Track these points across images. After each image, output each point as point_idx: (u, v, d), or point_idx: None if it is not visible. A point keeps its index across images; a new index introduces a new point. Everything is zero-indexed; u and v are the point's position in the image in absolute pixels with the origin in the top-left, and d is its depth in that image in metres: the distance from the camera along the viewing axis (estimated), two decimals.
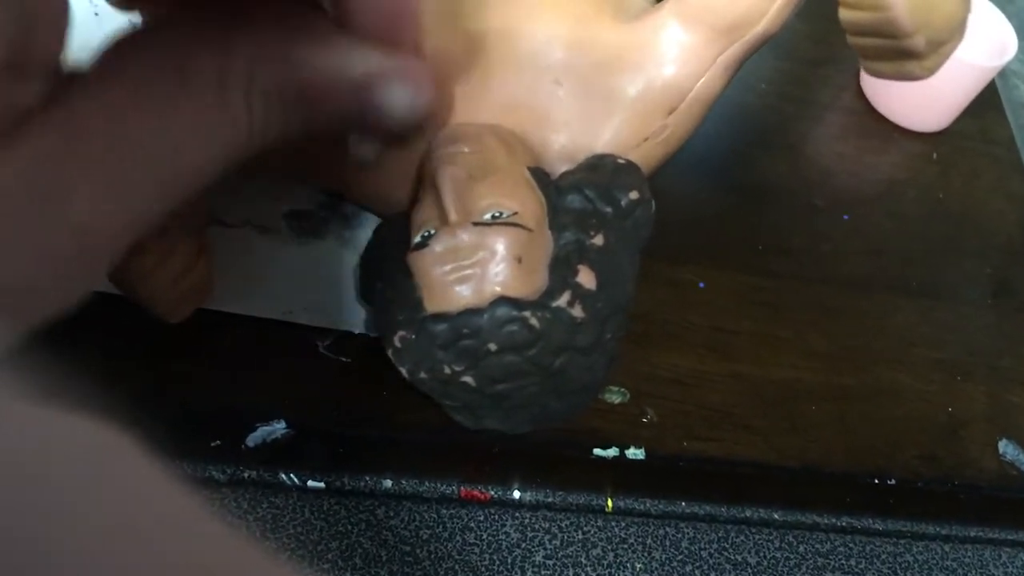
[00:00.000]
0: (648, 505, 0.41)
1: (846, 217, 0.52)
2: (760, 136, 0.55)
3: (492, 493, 0.40)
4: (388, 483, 0.39)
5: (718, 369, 0.44)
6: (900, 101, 0.56)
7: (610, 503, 0.41)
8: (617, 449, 0.41)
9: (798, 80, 0.58)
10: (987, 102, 0.59)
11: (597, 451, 0.41)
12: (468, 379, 0.33)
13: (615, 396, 0.42)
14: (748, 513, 0.41)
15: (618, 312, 0.35)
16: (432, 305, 0.33)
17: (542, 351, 0.33)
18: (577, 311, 0.33)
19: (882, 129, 0.57)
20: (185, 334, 0.38)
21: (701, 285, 0.47)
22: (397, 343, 0.34)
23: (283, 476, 0.38)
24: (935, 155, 0.56)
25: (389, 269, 0.35)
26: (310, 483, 0.38)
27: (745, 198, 0.51)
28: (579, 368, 0.34)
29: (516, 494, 0.40)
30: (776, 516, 0.42)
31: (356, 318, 0.40)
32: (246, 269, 0.40)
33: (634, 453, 0.41)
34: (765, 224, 0.50)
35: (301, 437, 0.38)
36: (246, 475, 0.37)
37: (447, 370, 0.33)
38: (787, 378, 0.45)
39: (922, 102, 0.55)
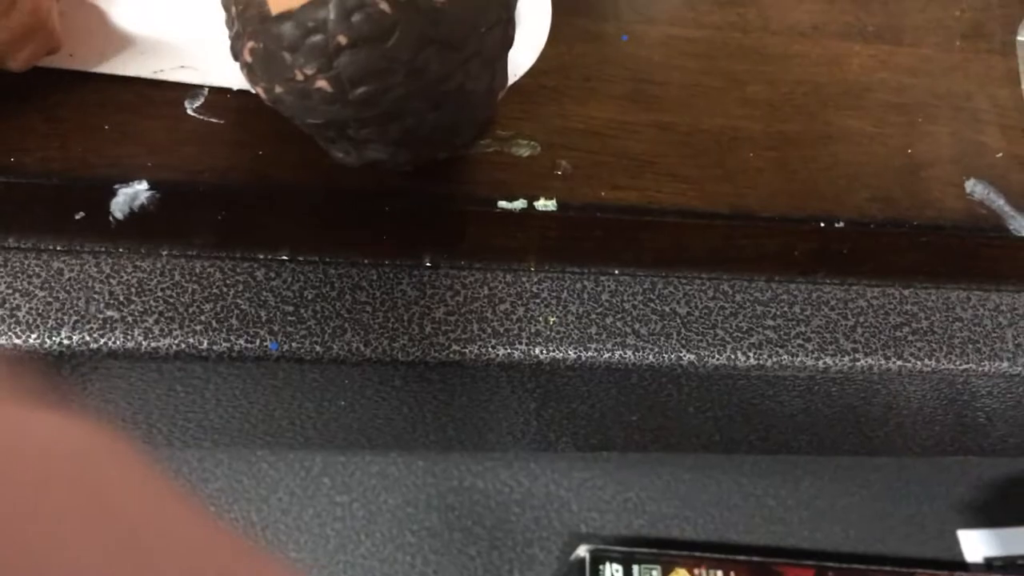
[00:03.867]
0: (567, 267, 0.37)
1: None
2: None
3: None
4: (284, 258, 0.36)
5: (641, 120, 0.40)
6: None
7: (532, 266, 0.38)
8: (525, 201, 0.37)
9: None
10: None
11: (502, 203, 0.37)
12: (324, 84, 0.29)
13: (524, 149, 0.38)
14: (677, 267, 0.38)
15: (494, 7, 0.31)
16: (275, 6, 0.30)
17: (399, 43, 0.29)
18: None
19: None
20: (41, 94, 0.35)
21: (624, 38, 0.42)
22: (248, 58, 0.31)
23: (162, 251, 0.35)
24: None
25: None
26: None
27: None
28: (449, 67, 0.30)
29: (428, 264, 0.37)
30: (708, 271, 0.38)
31: (232, 74, 0.37)
32: (111, 28, 0.37)
33: (544, 204, 0.37)
34: None
35: (173, 205, 0.35)
36: (120, 250, 0.35)
37: (299, 76, 0.30)
38: (720, 126, 0.41)
39: None
